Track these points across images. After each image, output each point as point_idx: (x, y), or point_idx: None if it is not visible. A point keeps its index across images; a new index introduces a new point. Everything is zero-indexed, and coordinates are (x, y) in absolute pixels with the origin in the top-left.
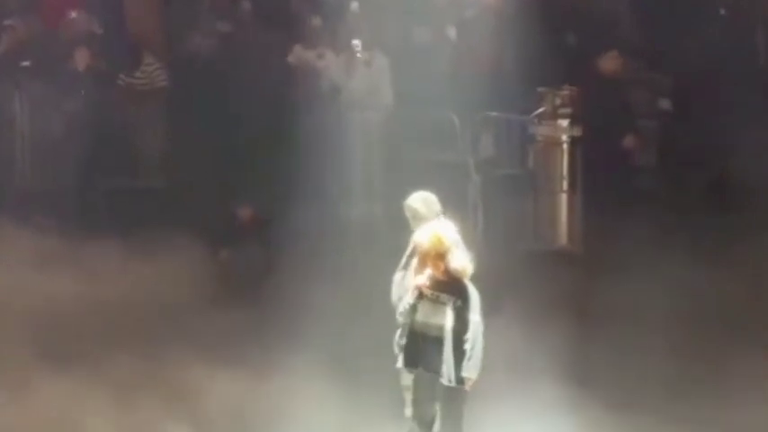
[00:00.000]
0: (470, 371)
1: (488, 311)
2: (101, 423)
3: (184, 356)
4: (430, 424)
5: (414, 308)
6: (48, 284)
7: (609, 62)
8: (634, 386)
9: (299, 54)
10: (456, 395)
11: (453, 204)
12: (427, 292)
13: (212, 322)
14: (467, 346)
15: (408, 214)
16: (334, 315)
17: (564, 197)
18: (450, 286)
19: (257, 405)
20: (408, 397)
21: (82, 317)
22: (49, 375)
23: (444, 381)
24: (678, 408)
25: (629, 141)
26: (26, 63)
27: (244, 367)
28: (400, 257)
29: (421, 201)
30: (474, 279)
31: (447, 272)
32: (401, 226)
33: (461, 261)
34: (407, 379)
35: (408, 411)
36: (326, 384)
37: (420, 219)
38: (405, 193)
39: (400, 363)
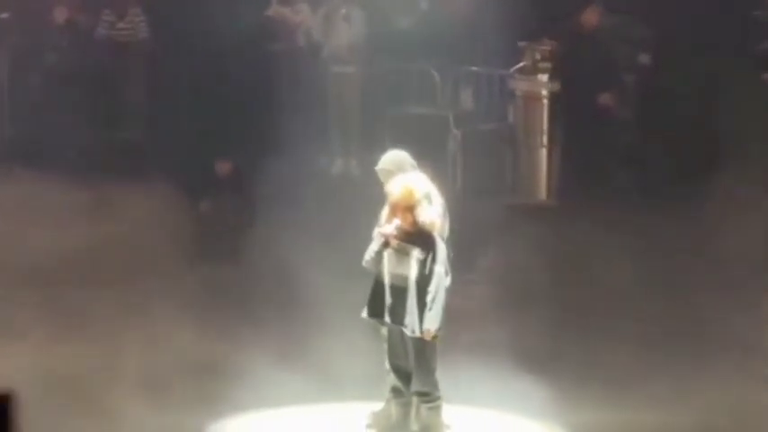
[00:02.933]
0: (430, 322)
1: (466, 265)
2: (77, 372)
3: (163, 308)
4: (407, 375)
5: (379, 257)
6: (26, 234)
7: (589, 16)
8: (613, 339)
9: (276, 9)
10: (424, 346)
11: (433, 159)
12: (393, 242)
13: (190, 274)
14: (428, 298)
15: (383, 177)
16: (311, 269)
17: (543, 152)
18: (417, 238)
19: (234, 357)
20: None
21: (59, 267)
22: (26, 323)
23: (408, 332)
24: (656, 358)
25: (608, 96)
26: (4, 15)
27: (221, 319)
28: (379, 212)
29: (392, 162)
30: (452, 232)
31: (415, 224)
32: (380, 180)
33: (430, 215)
34: (385, 330)
35: (387, 363)
36: (305, 337)
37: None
38: (384, 147)
39: (364, 313)
